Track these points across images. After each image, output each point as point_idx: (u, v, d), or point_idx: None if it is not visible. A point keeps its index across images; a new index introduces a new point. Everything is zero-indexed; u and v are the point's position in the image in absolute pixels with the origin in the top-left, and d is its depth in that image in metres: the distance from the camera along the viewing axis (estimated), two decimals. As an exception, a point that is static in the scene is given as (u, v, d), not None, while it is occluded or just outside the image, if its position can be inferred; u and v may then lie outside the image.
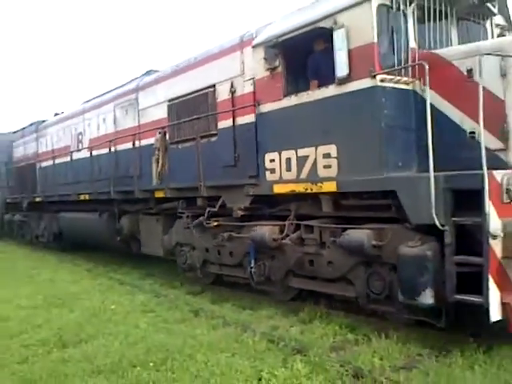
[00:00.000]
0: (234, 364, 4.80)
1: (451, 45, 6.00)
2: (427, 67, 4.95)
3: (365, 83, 5.44)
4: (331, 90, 5.86)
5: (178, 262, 9.09)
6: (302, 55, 6.46)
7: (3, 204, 18.92)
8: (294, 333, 5.76)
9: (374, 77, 5.33)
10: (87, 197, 11.79)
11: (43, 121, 16.08)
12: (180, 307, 7.42)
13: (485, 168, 4.35)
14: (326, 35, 5.83)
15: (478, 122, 4.55)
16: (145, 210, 10.06)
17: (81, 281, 10.22)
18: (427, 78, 4.97)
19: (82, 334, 6.16)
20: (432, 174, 4.71)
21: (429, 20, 5.78)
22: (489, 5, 6.22)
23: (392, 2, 5.47)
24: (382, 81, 5.35)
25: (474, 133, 5.02)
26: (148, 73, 10.65)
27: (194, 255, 8.56)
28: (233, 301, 7.61)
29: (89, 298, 8.39)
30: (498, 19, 6.72)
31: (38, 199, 15.23)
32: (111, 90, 11.89)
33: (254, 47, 6.93)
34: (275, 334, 5.67)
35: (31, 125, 16.85)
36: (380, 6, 5.38)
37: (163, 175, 8.99)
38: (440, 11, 5.84)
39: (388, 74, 5.39)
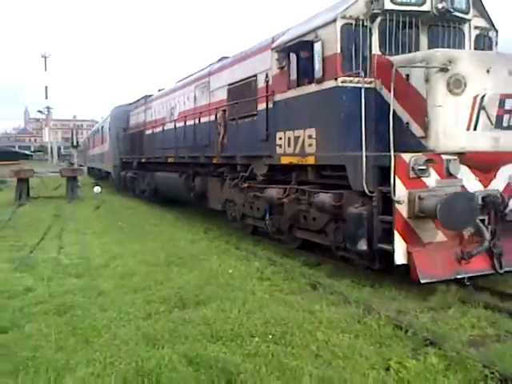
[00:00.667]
0: (358, 347, 4.46)
1: (419, 50, 7.23)
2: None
3: (331, 83, 7.22)
4: (312, 88, 7.70)
5: (227, 214, 11.66)
6: (300, 58, 8.18)
7: (121, 162, 22.33)
8: (425, 320, 5.22)
9: (336, 79, 7.06)
10: (172, 160, 14.64)
11: (150, 95, 19.05)
12: (296, 278, 7.20)
13: (392, 151, 5.98)
14: (311, 45, 7.57)
15: (411, 115, 6.56)
16: (211, 173, 12.29)
17: (199, 241, 10.48)
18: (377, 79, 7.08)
19: (201, 295, 6.19)
20: (364, 153, 6.32)
21: (396, 29, 7.20)
22: (457, 13, 7.20)
23: (356, 20, 7.04)
24: (342, 82, 7.03)
25: (408, 123, 6.67)
26: (220, 59, 12.32)
27: (236, 209, 11.08)
28: (351, 277, 7.23)
29: (207, 259, 8.53)
30: (478, 21, 7.72)
31: (142, 160, 18.56)
32: (194, 73, 14.02)
33: (271, 49, 8.90)
34: (402, 320, 5.19)
35: (141, 98, 19.99)
36: (344, 25, 7.04)
37: (223, 145, 11.22)
38: (406, 22, 7.18)
39: (349, 76, 6.96)
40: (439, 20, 7.36)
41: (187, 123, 13.31)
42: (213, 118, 11.67)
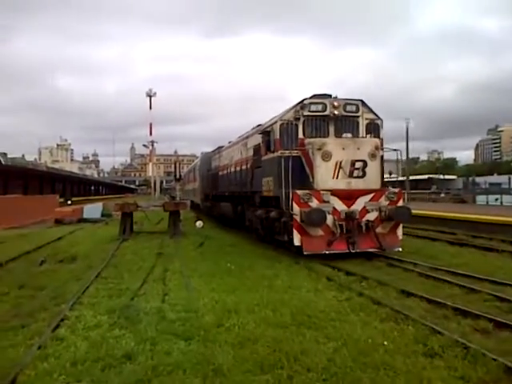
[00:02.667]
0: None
1: (329, 135, 13.16)
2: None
3: (276, 154, 13.28)
4: (270, 155, 13.84)
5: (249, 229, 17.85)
6: (267, 139, 14.23)
7: (204, 195, 28.68)
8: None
9: (278, 151, 13.10)
10: (227, 193, 21.07)
11: (222, 146, 24.49)
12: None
13: (290, 189, 11.99)
14: (269, 133, 14.17)
15: (309, 171, 12.72)
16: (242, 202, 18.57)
17: (324, 292, 8.66)
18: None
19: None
20: (283, 191, 12.20)
21: (312, 124, 13.24)
22: (351, 114, 13.32)
23: (288, 121, 13.20)
24: (281, 153, 12.86)
25: (308, 175, 12.78)
26: (256, 127, 17.03)
27: (253, 225, 16.84)
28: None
29: (343, 319, 6.69)
30: (368, 115, 13.55)
31: (214, 193, 25.14)
32: (243, 134, 19.14)
33: (258, 133, 15.41)
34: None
35: (217, 148, 26.09)
36: (281, 124, 13.26)
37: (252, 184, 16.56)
38: (318, 119, 13.25)
39: (284, 150, 12.92)
40: (339, 118, 13.24)
41: (236, 169, 19.18)
42: (244, 167, 17.76)
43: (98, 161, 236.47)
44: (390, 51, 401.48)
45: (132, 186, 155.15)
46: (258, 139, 15.29)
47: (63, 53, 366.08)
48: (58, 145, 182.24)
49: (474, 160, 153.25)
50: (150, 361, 5.22)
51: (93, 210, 32.75)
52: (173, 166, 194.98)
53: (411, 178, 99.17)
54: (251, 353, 5.37)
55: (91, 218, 29.81)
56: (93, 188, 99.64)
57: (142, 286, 9.34)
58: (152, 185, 56.67)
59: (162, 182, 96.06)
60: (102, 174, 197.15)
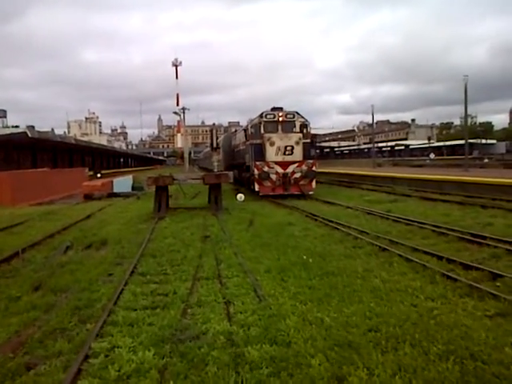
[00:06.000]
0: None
1: (278, 132, 22.92)
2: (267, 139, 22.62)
3: (249, 142, 24.00)
4: (247, 142, 24.48)
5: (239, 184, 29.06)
6: (250, 132, 24.25)
7: (226, 165, 33.25)
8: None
9: (249, 140, 23.74)
10: (235, 163, 29.70)
11: (236, 130, 35.25)
12: None
13: (253, 161, 22.72)
14: (246, 129, 25.79)
15: (264, 151, 22.84)
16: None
17: (451, 299, 6.07)
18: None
19: None
20: (253, 162, 22.78)
21: (269, 125, 23.06)
22: (290, 119, 23.20)
23: (256, 123, 23.65)
24: (250, 142, 23.51)
25: (263, 154, 23.06)
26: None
27: (243, 181, 27.39)
28: None
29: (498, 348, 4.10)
30: (300, 120, 23.39)
31: (231, 163, 31.14)
32: (244, 126, 31.32)
33: (243, 129, 28.05)
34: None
35: (233, 131, 33.87)
36: (252, 125, 24.17)
37: (244, 157, 26.42)
38: (272, 122, 23.10)
39: (252, 139, 23.38)
40: (283, 122, 23.07)
41: (240, 148, 27.76)
42: (244, 146, 25.77)
43: (126, 133, 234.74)
44: (423, 12, 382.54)
45: (160, 158, 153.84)
46: (243, 133, 26.26)
47: (86, 24, 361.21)
48: (86, 118, 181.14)
49: (509, 123, 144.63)
50: None
51: (123, 182, 30.74)
52: (200, 136, 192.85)
53: (448, 143, 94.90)
54: None
55: (122, 192, 27.75)
56: (122, 160, 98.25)
57: (192, 290, 6.94)
58: (186, 155, 54.34)
59: (190, 153, 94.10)
60: (130, 147, 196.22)
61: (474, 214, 14.88)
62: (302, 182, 22.23)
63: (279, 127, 22.94)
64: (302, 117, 23.62)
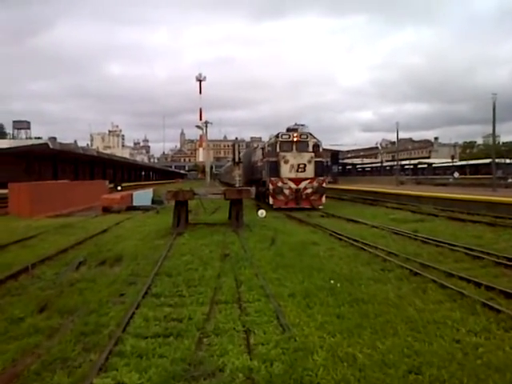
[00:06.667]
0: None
1: (293, 150, 24.96)
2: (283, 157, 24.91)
3: (265, 159, 26.45)
4: (264, 160, 27.02)
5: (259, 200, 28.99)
6: (267, 150, 27.19)
7: (245, 180, 36.08)
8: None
9: (266, 158, 26.36)
10: (254, 179, 31.77)
11: (256, 146, 35.40)
12: None
13: (268, 177, 25.10)
14: (263, 148, 28.98)
15: (280, 168, 25.10)
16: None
17: (496, 333, 5.33)
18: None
19: None
20: (269, 177, 25.17)
21: (285, 144, 25.15)
22: (304, 140, 25.39)
23: (272, 143, 26.12)
24: (266, 160, 25.98)
25: (279, 170, 25.42)
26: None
27: (260, 195, 26.73)
28: None
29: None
30: (313, 140, 25.45)
31: (250, 178, 33.61)
32: (262, 144, 33.37)
33: (260, 148, 31.18)
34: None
35: (253, 148, 31.41)
36: (269, 145, 27.10)
37: (262, 173, 28.96)
38: (287, 142, 25.22)
39: (268, 157, 25.98)
40: (298, 142, 25.14)
41: (258, 164, 29.93)
42: (261, 163, 28.25)
43: (149, 146, 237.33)
44: (447, 31, 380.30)
45: (182, 172, 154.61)
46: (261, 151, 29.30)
47: (111, 38, 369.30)
48: (109, 131, 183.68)
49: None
50: None
51: (143, 196, 30.40)
52: (222, 151, 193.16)
53: (471, 162, 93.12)
54: None
55: (141, 205, 27.42)
56: (143, 173, 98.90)
57: (209, 316, 6.34)
58: (207, 169, 54.10)
59: (211, 167, 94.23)
60: (152, 160, 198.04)
61: (507, 236, 14.04)
62: (312, 197, 24.43)
63: (293, 147, 24.98)
64: (315, 137, 25.61)
